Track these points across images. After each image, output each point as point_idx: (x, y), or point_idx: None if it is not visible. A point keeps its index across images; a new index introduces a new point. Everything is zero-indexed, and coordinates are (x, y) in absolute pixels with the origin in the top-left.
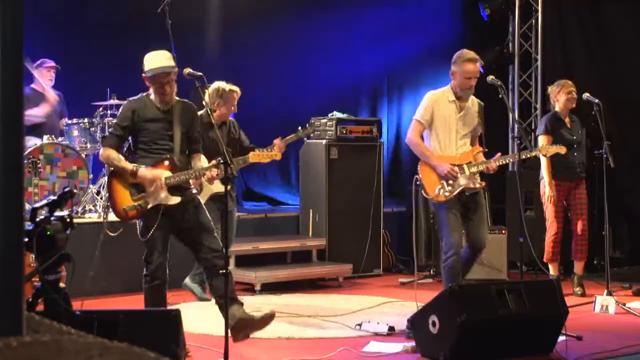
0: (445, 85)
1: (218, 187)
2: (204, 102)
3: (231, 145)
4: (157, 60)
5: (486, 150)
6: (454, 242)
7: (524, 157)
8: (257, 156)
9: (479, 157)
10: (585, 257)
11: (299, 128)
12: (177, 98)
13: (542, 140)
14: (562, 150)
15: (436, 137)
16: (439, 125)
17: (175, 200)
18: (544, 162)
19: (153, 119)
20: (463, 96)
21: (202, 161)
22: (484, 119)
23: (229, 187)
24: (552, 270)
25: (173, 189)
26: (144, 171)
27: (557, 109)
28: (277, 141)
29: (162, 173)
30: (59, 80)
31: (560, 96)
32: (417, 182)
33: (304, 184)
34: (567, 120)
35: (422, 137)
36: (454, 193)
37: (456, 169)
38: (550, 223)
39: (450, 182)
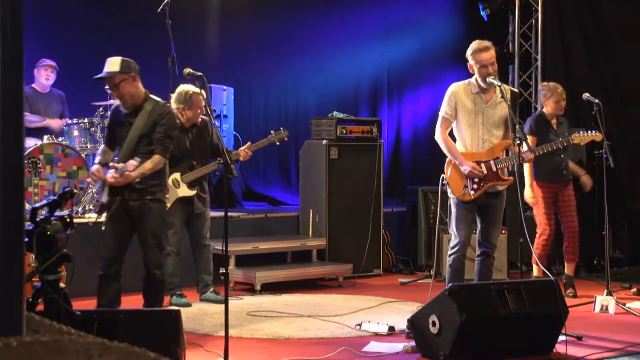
0: (445, 84)
1: (184, 191)
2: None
3: (202, 149)
4: (105, 65)
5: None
6: (461, 239)
7: (555, 147)
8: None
9: (510, 150)
10: (577, 258)
11: (272, 132)
12: (155, 98)
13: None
14: (598, 137)
15: (461, 131)
16: (464, 119)
17: (106, 198)
18: (526, 165)
19: (119, 122)
20: (487, 87)
21: (151, 162)
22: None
23: (194, 192)
24: (537, 272)
25: (115, 189)
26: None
27: (544, 110)
28: (247, 145)
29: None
30: (59, 80)
31: (549, 102)
32: (444, 182)
33: (304, 184)
34: (553, 121)
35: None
36: (480, 192)
37: (481, 166)
38: (543, 226)
39: (476, 180)
